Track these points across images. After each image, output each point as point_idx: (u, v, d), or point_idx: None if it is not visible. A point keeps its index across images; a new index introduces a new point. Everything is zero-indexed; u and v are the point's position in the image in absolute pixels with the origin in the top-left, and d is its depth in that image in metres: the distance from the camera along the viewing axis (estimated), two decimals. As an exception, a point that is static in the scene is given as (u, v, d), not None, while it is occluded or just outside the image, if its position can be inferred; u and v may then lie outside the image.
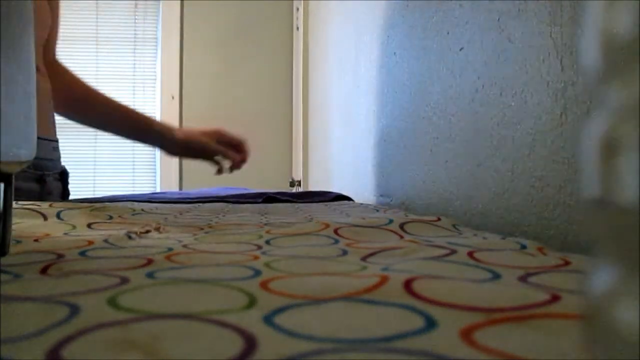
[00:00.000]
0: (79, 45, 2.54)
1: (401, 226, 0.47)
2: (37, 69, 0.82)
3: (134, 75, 2.55)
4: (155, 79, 2.55)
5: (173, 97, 2.43)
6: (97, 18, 2.55)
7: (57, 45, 1.06)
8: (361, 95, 1.24)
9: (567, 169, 0.48)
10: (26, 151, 0.28)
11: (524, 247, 0.38)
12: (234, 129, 1.09)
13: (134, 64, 2.58)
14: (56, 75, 0.99)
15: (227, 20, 2.51)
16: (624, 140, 0.07)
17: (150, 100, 2.50)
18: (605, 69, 0.08)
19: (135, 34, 2.58)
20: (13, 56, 0.26)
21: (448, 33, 0.74)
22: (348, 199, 1.02)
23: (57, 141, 0.98)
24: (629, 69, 0.07)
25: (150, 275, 0.26)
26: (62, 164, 1.01)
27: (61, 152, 0.99)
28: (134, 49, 2.58)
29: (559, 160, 0.49)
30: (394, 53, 0.99)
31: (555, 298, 0.22)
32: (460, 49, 0.70)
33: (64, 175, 0.99)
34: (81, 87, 1.04)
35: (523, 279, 0.26)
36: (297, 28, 2.29)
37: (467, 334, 0.17)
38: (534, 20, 0.53)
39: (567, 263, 0.31)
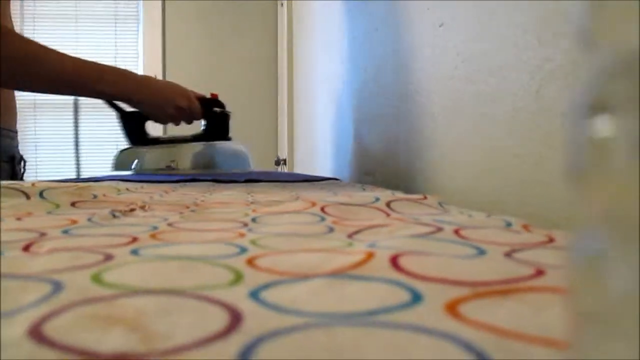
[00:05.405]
0: (57, 23, 2.49)
1: (388, 204, 0.47)
2: None
3: (115, 53, 2.51)
4: (137, 58, 2.51)
5: (156, 76, 2.40)
6: (77, -5, 2.50)
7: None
8: (345, 73, 1.24)
9: (543, 146, 0.48)
10: None
11: (509, 224, 0.39)
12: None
13: (115, 42, 2.53)
14: None
15: (210, -2, 2.47)
16: (614, 100, 0.07)
17: (134, 79, 2.47)
18: (594, 28, 0.08)
19: (116, 11, 2.53)
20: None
21: (428, 8, 0.74)
22: (335, 179, 1.02)
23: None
24: (619, 27, 0.07)
25: (135, 252, 0.25)
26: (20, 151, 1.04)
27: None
28: (115, 26, 2.54)
29: (535, 138, 0.50)
30: (376, 29, 0.99)
31: (539, 272, 0.22)
32: (441, 25, 0.69)
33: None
34: None
35: (508, 254, 0.26)
36: (282, 4, 2.26)
37: (452, 308, 0.17)
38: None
39: (551, 240, 0.31)
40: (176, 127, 1.11)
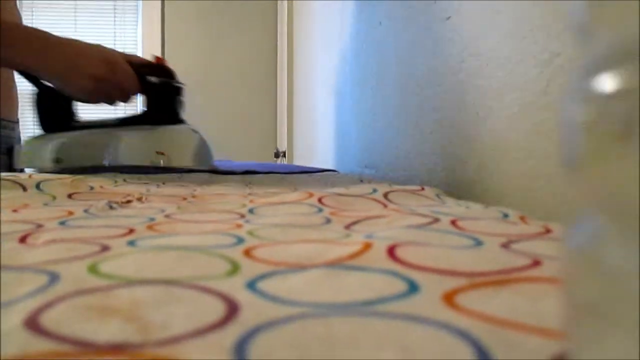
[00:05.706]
0: (56, 15, 2.48)
1: (385, 195, 0.47)
2: None
3: (114, 46, 2.49)
4: (136, 51, 2.50)
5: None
6: (75, -14, 2.49)
7: None
8: (346, 66, 1.23)
9: (551, 141, 0.48)
10: None
11: (506, 215, 0.39)
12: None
13: (114, 34, 2.52)
14: None
15: (209, -10, 2.46)
16: (609, 87, 0.07)
17: (132, 72, 2.46)
18: (592, 19, 0.08)
19: (115, 4, 2.52)
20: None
21: (435, 2, 0.73)
22: (333, 171, 1.02)
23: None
24: (617, 19, 0.07)
25: (131, 243, 0.25)
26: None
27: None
28: (114, 19, 2.53)
29: (542, 132, 0.49)
30: (380, 23, 0.98)
31: (536, 263, 0.22)
32: (447, 18, 0.69)
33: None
34: None
35: (505, 245, 0.26)
36: (281, -3, 2.25)
37: (449, 298, 0.17)
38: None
39: (548, 231, 0.31)
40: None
